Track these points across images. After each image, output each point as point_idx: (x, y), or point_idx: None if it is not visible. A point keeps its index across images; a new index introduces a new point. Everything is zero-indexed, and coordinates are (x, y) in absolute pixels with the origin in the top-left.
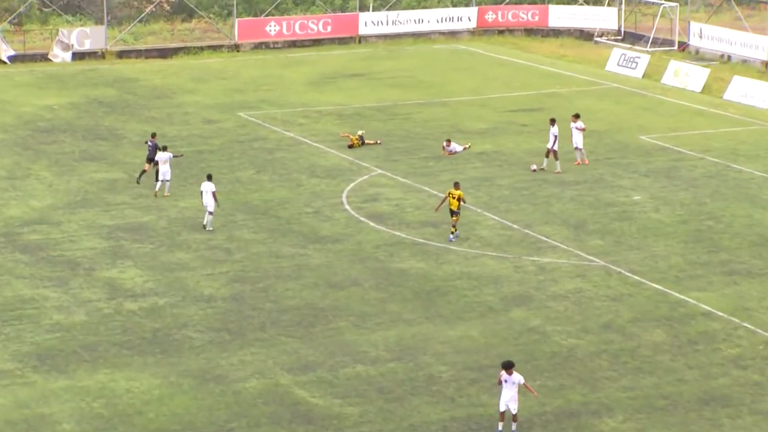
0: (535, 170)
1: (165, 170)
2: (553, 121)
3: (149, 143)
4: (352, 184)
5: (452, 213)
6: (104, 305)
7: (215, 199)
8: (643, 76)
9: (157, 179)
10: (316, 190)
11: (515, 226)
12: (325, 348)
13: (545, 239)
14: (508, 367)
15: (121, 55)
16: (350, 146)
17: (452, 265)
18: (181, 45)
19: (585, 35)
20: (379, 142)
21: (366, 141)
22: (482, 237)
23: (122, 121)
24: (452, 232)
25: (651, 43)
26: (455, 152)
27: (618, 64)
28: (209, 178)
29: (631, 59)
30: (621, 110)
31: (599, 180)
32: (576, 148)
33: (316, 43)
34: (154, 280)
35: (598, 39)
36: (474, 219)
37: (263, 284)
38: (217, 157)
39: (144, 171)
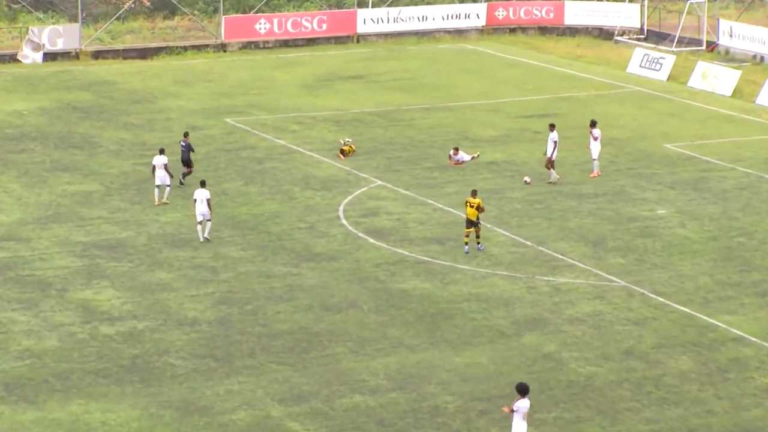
0: (528, 183)
1: (163, 175)
2: (552, 127)
3: (182, 144)
4: (349, 197)
5: (470, 224)
6: (78, 329)
7: (209, 207)
8: (667, 79)
9: (156, 186)
10: (310, 203)
11: (528, 243)
12: (320, 376)
13: (561, 257)
14: (525, 391)
15: (97, 55)
16: (342, 153)
17: (459, 285)
18: (163, 44)
19: (604, 34)
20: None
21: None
22: (492, 255)
23: (98, 128)
24: (477, 242)
25: (677, 42)
26: (463, 162)
27: (640, 66)
28: (203, 184)
29: (655, 60)
30: (644, 116)
31: (620, 192)
32: (595, 159)
33: (311, 42)
34: (133, 301)
35: (618, 38)
36: (483, 235)
37: (252, 306)
38: (201, 167)
39: (189, 173)
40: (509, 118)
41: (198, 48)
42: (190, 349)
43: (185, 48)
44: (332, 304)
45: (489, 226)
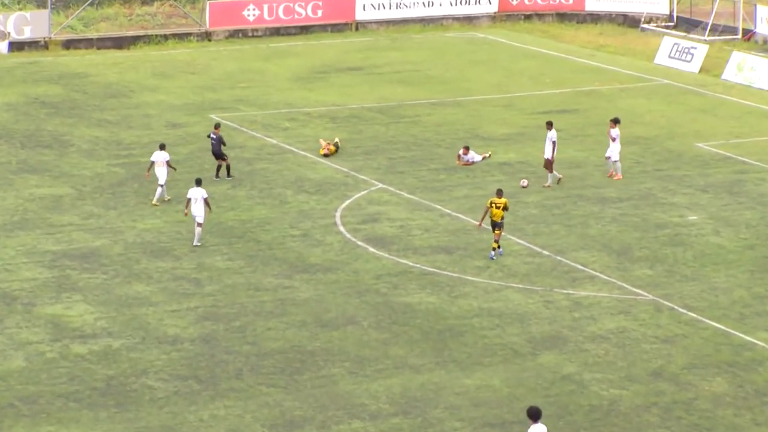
0: (525, 186)
1: (161, 173)
2: (550, 125)
3: (212, 136)
4: (347, 201)
5: (495, 226)
6: (47, 348)
7: (208, 206)
8: (699, 71)
9: (160, 185)
10: (303, 208)
11: (545, 253)
12: (315, 400)
13: (582, 268)
14: (537, 416)
15: (68, 45)
16: (326, 155)
17: (469, 299)
18: (141, 33)
19: (630, 21)
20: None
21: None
22: (505, 265)
23: (69, 125)
24: (494, 248)
25: (709, 30)
26: (473, 162)
27: (670, 56)
28: (198, 182)
29: (686, 50)
30: (673, 112)
31: (647, 196)
32: (608, 158)
33: (304, 30)
34: (108, 317)
35: (645, 26)
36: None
37: (240, 322)
38: (184, 168)
39: (220, 166)
40: (524, 114)
41: (180, 37)
42: (170, 370)
43: (166, 37)
44: (328, 319)
45: (502, 233)
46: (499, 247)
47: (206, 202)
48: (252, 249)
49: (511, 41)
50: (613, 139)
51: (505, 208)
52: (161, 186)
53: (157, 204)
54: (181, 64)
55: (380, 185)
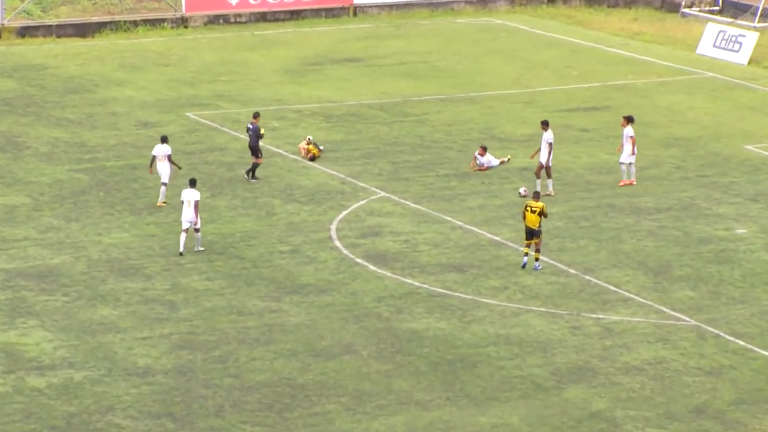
0: (524, 195)
1: (163, 169)
2: (545, 125)
3: (250, 126)
4: (344, 212)
5: (531, 233)
6: None
7: (195, 212)
8: (748, 62)
9: (163, 183)
10: (294, 220)
11: (572, 271)
12: None
13: (614, 289)
14: None
15: (24, 32)
16: (312, 158)
17: (484, 324)
18: (107, 19)
19: (669, 5)
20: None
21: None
22: (526, 286)
23: (24, 125)
24: (536, 259)
25: (760, 16)
26: (489, 167)
27: (714, 46)
28: (192, 183)
29: (733, 38)
30: (718, 109)
31: (689, 206)
32: (622, 163)
33: (295, 15)
34: (69, 345)
35: (686, 11)
36: (514, 260)
37: (220, 352)
38: (155, 174)
39: (255, 165)
40: (547, 112)
41: (152, 23)
42: (141, 406)
43: (135, 23)
44: (322, 348)
45: (522, 249)
46: (539, 257)
47: (196, 206)
48: (234, 267)
49: (532, 28)
50: (632, 140)
51: (542, 214)
52: (164, 184)
53: (164, 204)
54: (153, 54)
55: (382, 193)
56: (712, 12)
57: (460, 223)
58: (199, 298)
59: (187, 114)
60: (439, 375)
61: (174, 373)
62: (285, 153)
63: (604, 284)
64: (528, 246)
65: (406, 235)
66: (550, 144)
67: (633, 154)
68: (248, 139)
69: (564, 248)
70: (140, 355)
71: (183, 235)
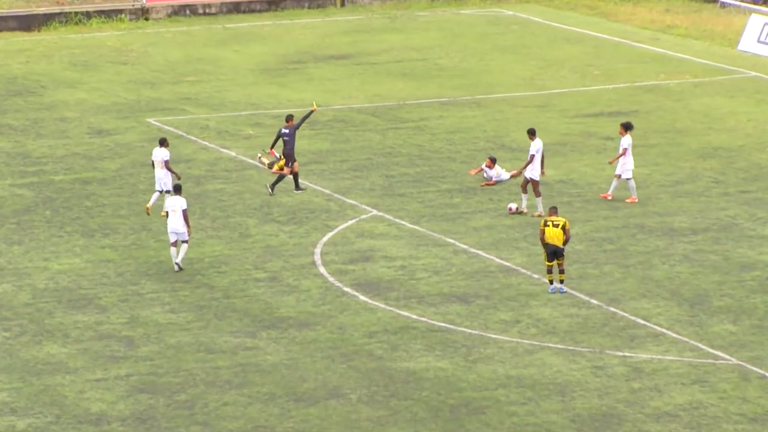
0: (513, 212)
1: (163, 175)
2: (532, 134)
3: (284, 132)
4: (330, 234)
5: (554, 253)
6: None
7: (186, 223)
8: None
9: (158, 191)
10: (271, 243)
11: (594, 302)
12: None
13: (642, 322)
14: None
15: None
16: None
17: (492, 364)
18: (56, 10)
19: None
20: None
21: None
22: (541, 319)
23: None
24: (561, 281)
25: None
26: (499, 181)
27: (759, 41)
28: (177, 190)
29: None
30: (764, 114)
31: (729, 227)
32: (619, 176)
33: (273, 5)
34: (11, 388)
35: (726, 0)
36: (526, 289)
37: (186, 396)
38: (111, 189)
39: (282, 176)
40: (566, 117)
41: (107, 15)
42: None
43: (88, 15)
44: (305, 392)
45: (536, 276)
46: (563, 279)
47: (185, 215)
48: (203, 297)
49: (548, 21)
50: (624, 151)
51: (564, 229)
52: (158, 192)
53: (147, 209)
54: (108, 51)
55: (374, 212)
56: (755, 2)
57: (464, 247)
58: (162, 333)
59: (148, 120)
60: (440, 423)
61: (132, 421)
62: (262, 166)
63: (632, 317)
64: (550, 270)
65: (401, 261)
66: (533, 156)
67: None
68: (283, 146)
69: (585, 275)
70: (93, 399)
71: (173, 250)
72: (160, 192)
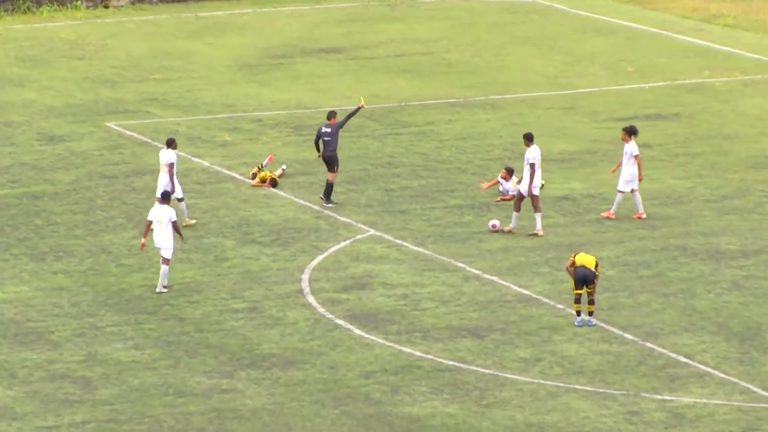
0: (495, 229)
1: (162, 180)
2: (529, 139)
3: (324, 131)
4: (320, 257)
5: (584, 279)
6: None
7: (179, 233)
8: None
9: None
10: (252, 268)
11: (628, 336)
12: None
13: (684, 360)
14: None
15: None
16: (272, 184)
17: (509, 409)
18: None
19: None
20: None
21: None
22: (566, 356)
23: None
24: (589, 312)
25: None
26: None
27: None
28: (164, 198)
29: None
30: None
31: None
32: (621, 191)
33: None
34: None
35: None
36: (549, 322)
37: None
38: (64, 205)
39: (331, 184)
40: (594, 121)
41: (60, 2)
42: None
43: (38, 2)
44: None
45: (560, 306)
46: (593, 310)
47: (174, 227)
48: (171, 331)
49: (574, 8)
50: (636, 160)
51: (596, 265)
52: (180, 199)
53: (187, 224)
54: (61, 44)
55: (371, 231)
56: None
57: (476, 272)
58: (124, 373)
59: (108, 124)
60: None
61: None
62: (239, 177)
63: (672, 354)
64: (579, 298)
65: (403, 288)
66: (532, 165)
67: (640, 179)
68: (323, 147)
69: (618, 306)
70: None
71: (164, 268)
72: (181, 199)
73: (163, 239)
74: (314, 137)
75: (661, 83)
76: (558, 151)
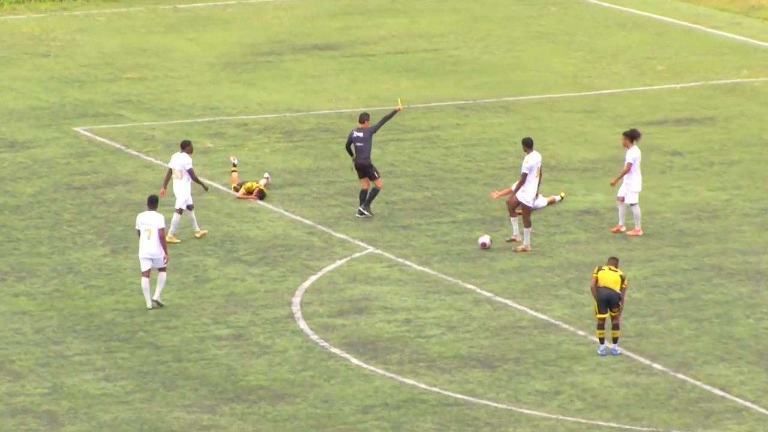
0: (486, 246)
1: (180, 190)
2: (528, 145)
3: (355, 136)
4: (313, 277)
5: (608, 302)
6: None
7: (164, 246)
8: None
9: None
10: (237, 289)
11: (657, 367)
12: None
13: (720, 393)
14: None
15: None
16: (261, 197)
17: None
18: None
19: None
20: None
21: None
22: (588, 389)
23: None
24: (614, 339)
25: None
26: (534, 209)
27: None
28: (152, 203)
29: None
30: None
31: None
32: (621, 199)
33: None
34: None
35: None
36: (569, 351)
37: None
38: (27, 220)
39: (372, 194)
40: (619, 126)
41: None
42: None
43: None
44: None
45: (581, 333)
46: (617, 337)
47: (161, 235)
48: (147, 361)
49: (597, 0)
50: (630, 166)
51: (622, 281)
52: (178, 211)
53: (174, 240)
54: (24, 39)
55: (370, 249)
56: None
57: (488, 294)
58: (93, 407)
59: (76, 129)
60: None
61: None
62: (222, 188)
63: (706, 386)
64: (603, 323)
65: (406, 313)
66: (525, 174)
67: (612, 183)
68: (355, 154)
69: (646, 332)
70: None
71: (145, 281)
72: (180, 212)
73: (152, 248)
74: (345, 142)
75: (694, 83)
76: (579, 159)
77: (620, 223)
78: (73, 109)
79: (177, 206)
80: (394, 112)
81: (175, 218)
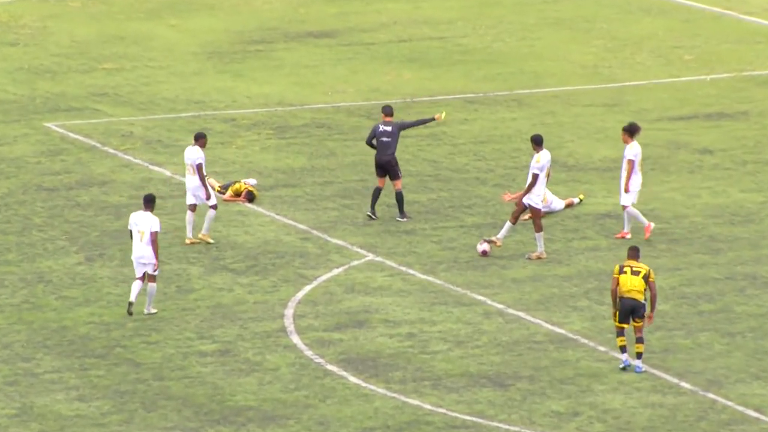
0: (486, 254)
1: (195, 186)
2: (538, 143)
3: (380, 130)
4: (307, 287)
5: (631, 311)
6: None
7: (155, 251)
8: None
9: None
10: (223, 300)
11: (685, 385)
12: None
13: (755, 415)
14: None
15: None
16: (249, 198)
17: None
18: None
19: None
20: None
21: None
22: (609, 409)
23: None
24: (638, 354)
25: None
26: (550, 212)
27: None
28: (148, 202)
29: None
30: None
31: None
32: (624, 207)
33: None
34: None
35: None
36: (588, 368)
37: None
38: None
39: (379, 189)
40: (643, 121)
41: None
42: None
43: None
44: None
45: (602, 349)
46: (641, 350)
47: (153, 239)
48: (125, 379)
49: None
50: (629, 165)
51: (647, 278)
52: (210, 204)
53: (196, 241)
54: None
55: (370, 256)
56: None
57: (499, 306)
58: (66, 430)
59: (47, 125)
60: None
61: None
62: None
63: (739, 407)
64: (623, 331)
65: (409, 326)
66: (536, 175)
67: (626, 190)
68: (378, 151)
69: (673, 347)
70: None
71: (137, 285)
72: (193, 208)
73: (145, 251)
74: (367, 136)
75: (726, 75)
76: (599, 157)
77: (646, 224)
78: (44, 102)
79: (188, 202)
80: (432, 119)
81: (210, 214)
